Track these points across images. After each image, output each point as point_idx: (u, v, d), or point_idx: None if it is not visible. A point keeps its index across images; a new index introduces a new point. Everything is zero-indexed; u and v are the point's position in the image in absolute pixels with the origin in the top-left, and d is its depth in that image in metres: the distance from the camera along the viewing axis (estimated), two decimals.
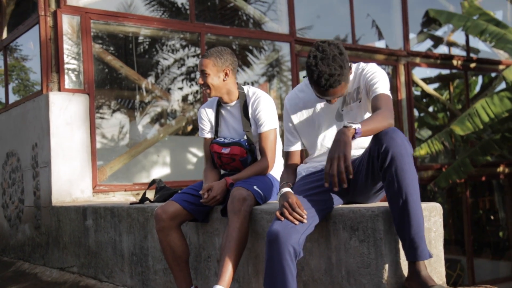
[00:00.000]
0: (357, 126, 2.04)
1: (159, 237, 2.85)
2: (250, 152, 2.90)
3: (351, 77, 2.37)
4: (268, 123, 2.89)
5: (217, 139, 2.99)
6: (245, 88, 3.01)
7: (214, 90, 2.92)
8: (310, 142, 2.50)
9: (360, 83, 2.35)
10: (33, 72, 6.87)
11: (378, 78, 2.29)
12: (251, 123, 2.94)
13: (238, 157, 2.88)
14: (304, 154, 2.64)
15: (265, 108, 2.90)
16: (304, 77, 2.39)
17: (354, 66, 2.40)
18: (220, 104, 3.05)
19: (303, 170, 2.49)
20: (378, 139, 2.05)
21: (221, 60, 2.90)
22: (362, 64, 2.40)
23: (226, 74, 2.92)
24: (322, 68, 2.14)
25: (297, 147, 2.54)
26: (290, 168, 2.52)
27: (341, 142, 2.02)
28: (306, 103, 2.48)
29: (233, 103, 2.99)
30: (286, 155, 2.58)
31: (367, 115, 2.39)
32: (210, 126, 3.08)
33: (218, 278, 2.52)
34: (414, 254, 1.99)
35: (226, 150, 2.89)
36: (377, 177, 2.15)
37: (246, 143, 2.89)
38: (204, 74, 2.90)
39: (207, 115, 3.08)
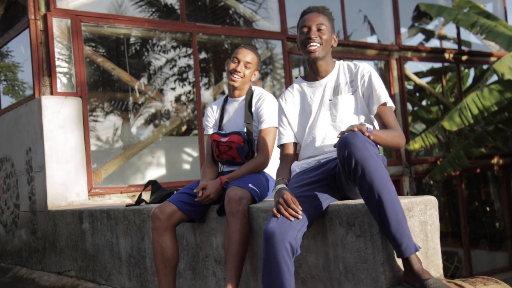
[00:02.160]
0: (370, 127, 2.11)
1: (152, 236, 2.86)
2: (248, 142, 2.98)
3: (340, 68, 2.53)
4: (269, 120, 2.98)
5: (219, 131, 3.12)
6: (253, 87, 3.16)
7: (242, 82, 3.09)
8: (300, 131, 2.57)
9: (356, 79, 2.45)
10: (20, 71, 6.82)
11: (380, 85, 2.41)
12: (253, 118, 3.03)
13: (235, 145, 2.96)
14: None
15: (268, 106, 3.01)
16: (296, 77, 2.45)
17: (344, 62, 2.54)
18: (226, 101, 3.19)
19: (297, 167, 2.51)
20: (340, 145, 2.06)
21: (259, 62, 3.16)
22: (355, 62, 2.52)
23: (255, 74, 3.14)
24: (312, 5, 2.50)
25: (289, 139, 2.59)
26: (285, 164, 2.56)
27: None
28: (297, 96, 2.60)
29: (240, 98, 3.12)
30: (281, 150, 2.62)
31: (359, 109, 2.46)
32: (214, 122, 3.20)
33: (227, 281, 2.59)
34: (399, 251, 1.98)
35: (225, 139, 3.00)
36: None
37: (245, 134, 2.98)
38: (247, 66, 3.08)
39: (212, 112, 3.23)
